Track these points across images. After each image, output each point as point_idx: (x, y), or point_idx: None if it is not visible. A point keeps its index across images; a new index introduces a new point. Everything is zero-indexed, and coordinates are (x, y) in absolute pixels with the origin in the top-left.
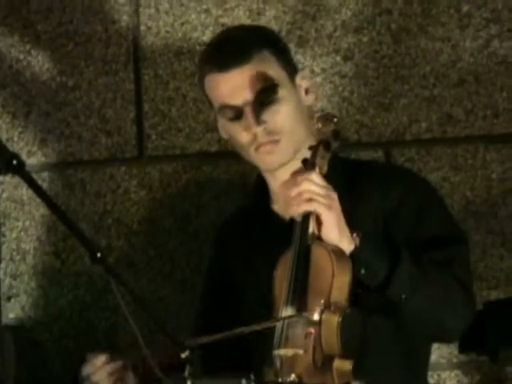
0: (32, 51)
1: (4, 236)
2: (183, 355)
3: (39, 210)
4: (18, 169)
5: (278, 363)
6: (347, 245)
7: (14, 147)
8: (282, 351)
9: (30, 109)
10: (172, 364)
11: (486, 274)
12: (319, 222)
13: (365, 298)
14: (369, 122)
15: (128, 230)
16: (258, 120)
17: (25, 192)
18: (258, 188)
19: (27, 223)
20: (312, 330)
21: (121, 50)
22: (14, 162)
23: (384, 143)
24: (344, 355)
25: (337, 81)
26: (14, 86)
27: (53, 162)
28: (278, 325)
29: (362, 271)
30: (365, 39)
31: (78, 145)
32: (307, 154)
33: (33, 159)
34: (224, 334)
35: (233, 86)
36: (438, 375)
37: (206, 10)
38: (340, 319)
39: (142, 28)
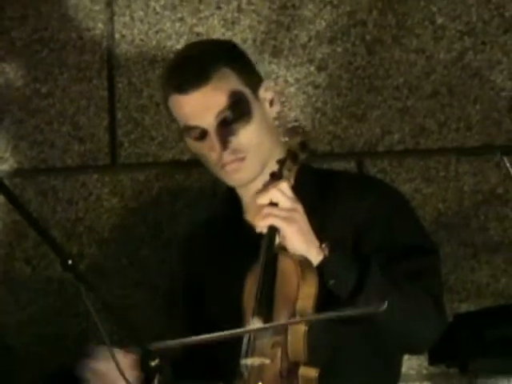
0: (6, 57)
1: None
2: (153, 363)
3: (10, 216)
4: None
5: (245, 373)
6: (315, 255)
7: None
8: (249, 360)
9: (3, 115)
10: None
11: (456, 286)
12: (283, 234)
13: (332, 307)
14: (341, 133)
15: (100, 237)
16: (223, 141)
17: None
18: (229, 198)
19: None
20: (279, 339)
21: (95, 57)
22: None
23: (356, 154)
24: (310, 363)
25: (310, 91)
26: None
27: (25, 168)
28: (246, 334)
29: (331, 282)
30: (339, 50)
31: (51, 152)
32: (275, 167)
33: (5, 165)
34: (191, 339)
35: (194, 107)
36: None
37: (181, 19)
38: (306, 328)
39: (117, 36)
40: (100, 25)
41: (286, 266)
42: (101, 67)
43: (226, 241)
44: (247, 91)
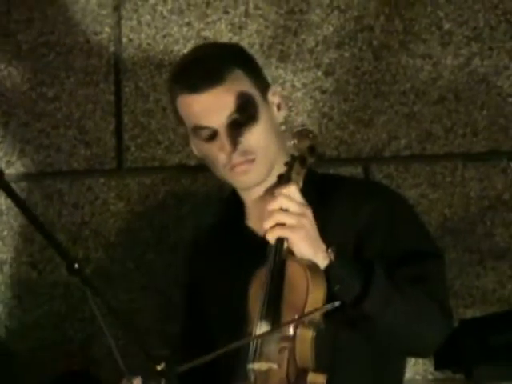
0: (12, 61)
1: None
2: (158, 368)
3: (17, 219)
4: None
5: (252, 377)
6: (322, 260)
7: None
8: (256, 365)
9: (10, 119)
10: None
11: (462, 292)
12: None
13: (338, 312)
14: (348, 138)
15: (106, 241)
16: (234, 142)
17: (3, 202)
18: (233, 203)
19: (5, 233)
20: (286, 344)
21: (102, 61)
22: None
23: (363, 159)
24: (318, 369)
25: (317, 96)
26: None
27: (31, 172)
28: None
29: (337, 287)
30: (346, 55)
31: (57, 155)
32: (282, 170)
33: (11, 169)
34: (203, 358)
35: (206, 107)
36: None
37: (188, 23)
38: (314, 334)
39: (124, 40)
40: (107, 29)
41: (293, 270)
42: (108, 71)
43: (229, 244)
44: (257, 94)
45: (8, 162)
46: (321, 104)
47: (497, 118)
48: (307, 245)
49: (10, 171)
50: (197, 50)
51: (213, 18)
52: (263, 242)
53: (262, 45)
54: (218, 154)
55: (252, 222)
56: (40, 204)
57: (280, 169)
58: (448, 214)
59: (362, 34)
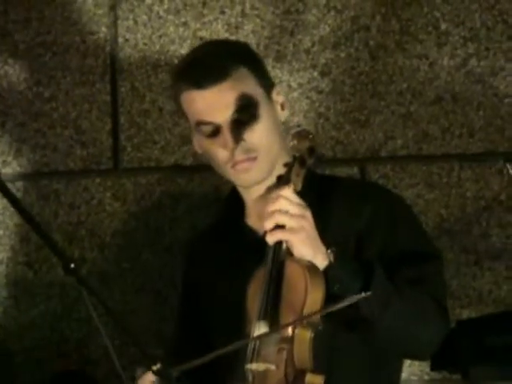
0: (9, 61)
1: None
2: (154, 368)
3: (13, 219)
4: None
5: (249, 378)
6: (321, 261)
7: None
8: (254, 366)
9: (6, 118)
10: None
11: (458, 293)
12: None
13: (336, 312)
14: (344, 138)
15: (101, 241)
16: (237, 139)
17: None
18: (232, 202)
19: (0, 232)
20: (284, 345)
21: (98, 61)
22: None
23: (359, 159)
24: (316, 370)
25: (313, 96)
26: None
27: (28, 172)
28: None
29: (336, 287)
30: (342, 55)
31: (53, 155)
32: (282, 170)
33: (8, 169)
34: (202, 358)
35: (210, 103)
36: None
37: (184, 23)
38: (312, 335)
39: (120, 40)
40: (103, 29)
41: (292, 271)
42: (104, 71)
43: (228, 243)
44: (261, 92)
45: (4, 161)
46: (317, 104)
47: (493, 118)
48: (307, 246)
49: (6, 171)
50: (202, 46)
51: (209, 18)
52: (263, 240)
53: (258, 45)
54: (220, 150)
55: (251, 221)
56: (36, 204)
57: (281, 169)
58: (444, 215)
59: (358, 34)
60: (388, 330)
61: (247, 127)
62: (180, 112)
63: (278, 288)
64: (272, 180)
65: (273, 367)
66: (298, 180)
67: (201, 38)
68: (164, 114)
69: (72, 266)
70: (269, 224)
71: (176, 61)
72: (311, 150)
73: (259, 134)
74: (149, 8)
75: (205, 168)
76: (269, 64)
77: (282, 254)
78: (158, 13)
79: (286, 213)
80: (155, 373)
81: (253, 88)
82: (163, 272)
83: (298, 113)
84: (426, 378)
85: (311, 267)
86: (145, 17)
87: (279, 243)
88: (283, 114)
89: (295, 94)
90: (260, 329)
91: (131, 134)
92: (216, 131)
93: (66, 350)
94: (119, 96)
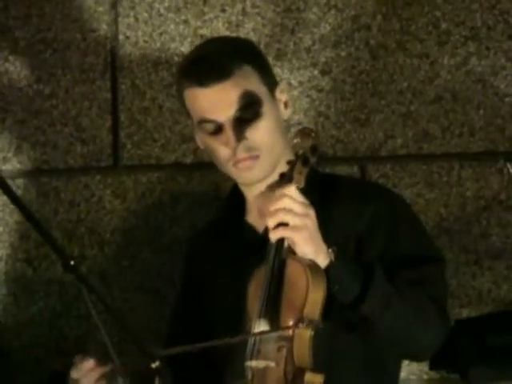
0: (9, 58)
1: None
2: (153, 365)
3: (13, 216)
4: None
5: (249, 375)
6: (323, 259)
7: None
8: (254, 363)
9: (6, 116)
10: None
11: (458, 292)
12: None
13: (336, 312)
14: (344, 137)
15: (101, 239)
16: (239, 137)
17: None
18: (233, 199)
19: (0, 229)
20: (284, 343)
21: (98, 58)
22: None
23: (359, 158)
24: (315, 369)
25: (314, 95)
26: None
27: (28, 169)
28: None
29: (336, 287)
30: (343, 54)
31: (53, 153)
32: (285, 168)
33: (8, 166)
34: (193, 345)
35: (213, 101)
36: None
37: (185, 21)
38: (312, 333)
39: (121, 37)
40: (104, 26)
41: (294, 269)
42: (104, 69)
43: (228, 240)
44: (265, 91)
45: (4, 158)
46: (317, 103)
47: (493, 118)
48: (309, 245)
49: (6, 168)
50: (206, 44)
51: (210, 16)
52: (263, 238)
53: (258, 43)
54: (222, 148)
55: (252, 218)
56: (36, 201)
57: (283, 167)
58: (444, 214)
59: (359, 33)
60: (388, 331)
61: (250, 125)
62: (183, 109)
63: (278, 286)
64: (274, 177)
65: (272, 364)
66: (300, 178)
67: (201, 36)
68: (164, 111)
69: (71, 263)
70: (272, 222)
71: (176, 59)
72: (314, 149)
73: (262, 133)
74: (149, 6)
75: (205, 166)
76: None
77: (283, 252)
78: (158, 10)
79: (290, 211)
80: (154, 371)
81: (256, 86)
82: (162, 270)
83: (298, 111)
84: (425, 377)
85: (313, 266)
86: (145, 14)
87: (281, 241)
88: (286, 113)
89: (295, 93)
90: (260, 327)
91: (131, 131)
92: (218, 129)
93: (65, 347)
94: (119, 93)
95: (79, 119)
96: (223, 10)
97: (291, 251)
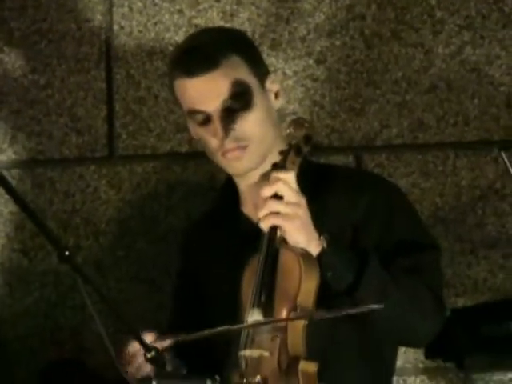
0: (5, 48)
1: None
2: (149, 355)
3: (8, 207)
4: None
5: (243, 364)
6: (315, 247)
7: None
8: (248, 352)
9: (1, 106)
10: None
11: (453, 281)
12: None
13: (331, 301)
14: (340, 127)
15: (96, 229)
16: (227, 127)
17: None
18: (227, 190)
19: None
20: (278, 333)
21: (93, 48)
22: None
23: (354, 148)
24: (309, 357)
25: (308, 84)
26: None
27: (23, 159)
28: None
29: (329, 274)
30: (337, 43)
31: (49, 143)
32: (277, 158)
33: (2, 156)
34: (189, 335)
35: (201, 91)
36: (404, 380)
37: (180, 11)
38: (306, 322)
39: (115, 27)
40: (99, 16)
41: (287, 259)
42: (99, 58)
43: (223, 231)
44: (254, 81)
45: None
46: (312, 92)
47: (488, 107)
48: (301, 234)
49: (1, 158)
50: (197, 34)
51: (204, 6)
52: (258, 228)
53: (253, 33)
54: (211, 138)
55: (247, 209)
56: (31, 191)
57: (275, 157)
58: (439, 203)
59: (353, 23)
60: (385, 319)
61: (239, 116)
62: (174, 99)
63: (272, 275)
64: (267, 167)
65: (266, 354)
66: (293, 168)
67: (196, 26)
68: (159, 101)
69: (67, 253)
70: (263, 211)
71: (171, 48)
72: (307, 138)
73: (251, 124)
74: None
75: (200, 155)
76: (264, 52)
77: (276, 241)
78: (153, 0)
79: (281, 198)
80: (150, 360)
81: (245, 76)
82: (158, 260)
83: (293, 101)
84: (421, 365)
85: (305, 255)
86: (140, 4)
87: (274, 230)
88: (277, 103)
89: (290, 82)
90: (253, 316)
91: (126, 121)
92: (207, 120)
93: (60, 337)
94: (114, 83)
95: (74, 109)
96: (218, 0)
97: (284, 241)
